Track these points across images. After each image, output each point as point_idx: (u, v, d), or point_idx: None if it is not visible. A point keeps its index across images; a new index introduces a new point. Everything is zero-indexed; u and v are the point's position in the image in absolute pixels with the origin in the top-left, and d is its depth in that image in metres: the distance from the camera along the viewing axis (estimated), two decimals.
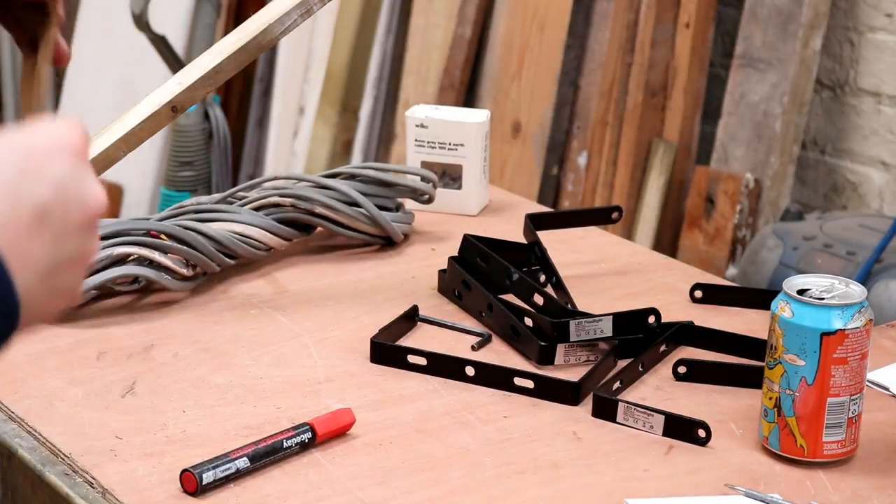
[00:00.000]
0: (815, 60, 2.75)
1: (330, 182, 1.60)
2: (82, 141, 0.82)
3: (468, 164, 1.73)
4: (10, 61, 3.94)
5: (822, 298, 1.17)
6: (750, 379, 1.31)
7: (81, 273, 0.83)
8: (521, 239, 1.54)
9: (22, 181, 0.78)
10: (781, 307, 1.17)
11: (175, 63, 2.94)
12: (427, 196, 1.65)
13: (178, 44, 3.24)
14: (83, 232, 0.81)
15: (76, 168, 0.81)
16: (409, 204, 1.69)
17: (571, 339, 1.35)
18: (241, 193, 1.60)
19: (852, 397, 1.18)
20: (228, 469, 1.14)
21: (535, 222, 1.54)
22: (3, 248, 0.77)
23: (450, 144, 1.73)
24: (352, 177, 1.62)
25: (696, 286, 1.51)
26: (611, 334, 1.35)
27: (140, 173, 3.44)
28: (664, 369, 1.35)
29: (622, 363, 1.35)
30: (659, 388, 1.32)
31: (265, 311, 1.47)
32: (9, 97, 3.92)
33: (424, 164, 1.73)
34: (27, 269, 0.78)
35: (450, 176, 1.74)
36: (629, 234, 2.88)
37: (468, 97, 3.13)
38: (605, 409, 1.26)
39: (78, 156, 0.81)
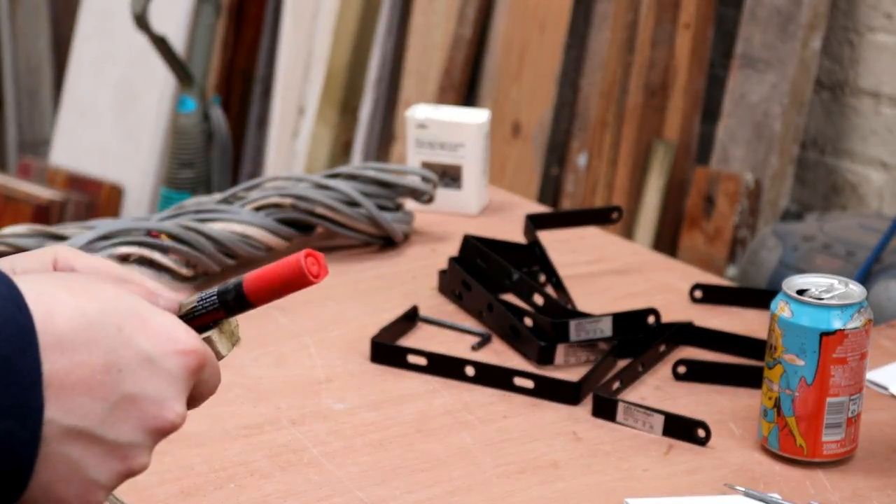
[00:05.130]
0: (814, 61, 2.75)
1: (330, 182, 1.60)
2: (200, 362, 0.75)
3: (468, 165, 1.73)
4: (10, 59, 3.94)
5: (822, 298, 1.17)
6: (749, 379, 1.31)
7: (111, 475, 0.71)
8: (521, 239, 1.54)
9: (117, 336, 0.70)
10: (781, 307, 1.18)
11: (175, 63, 2.94)
12: (427, 196, 1.65)
13: (178, 44, 3.24)
14: (139, 431, 0.71)
15: (178, 374, 0.73)
16: (409, 204, 1.69)
17: (571, 339, 1.35)
18: (241, 193, 1.60)
19: (852, 397, 1.18)
20: None
21: (535, 222, 1.54)
22: (56, 372, 0.68)
23: (450, 145, 1.73)
24: (352, 177, 1.62)
25: (696, 286, 1.51)
26: (611, 334, 1.35)
27: (140, 173, 3.44)
28: (664, 369, 1.35)
29: (622, 363, 1.35)
30: (659, 388, 1.32)
31: (265, 311, 1.46)
32: (9, 95, 3.92)
33: (424, 165, 1.73)
34: (65, 412, 0.68)
35: (450, 176, 1.74)
36: (629, 234, 2.88)
37: (468, 97, 3.12)
38: (605, 409, 1.26)
39: (189, 367, 0.74)
